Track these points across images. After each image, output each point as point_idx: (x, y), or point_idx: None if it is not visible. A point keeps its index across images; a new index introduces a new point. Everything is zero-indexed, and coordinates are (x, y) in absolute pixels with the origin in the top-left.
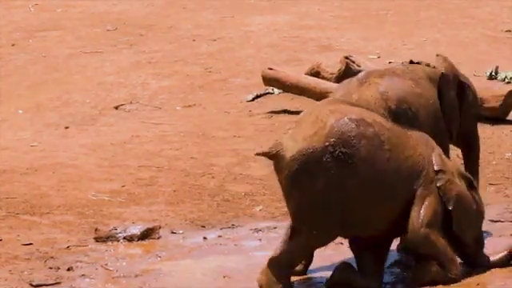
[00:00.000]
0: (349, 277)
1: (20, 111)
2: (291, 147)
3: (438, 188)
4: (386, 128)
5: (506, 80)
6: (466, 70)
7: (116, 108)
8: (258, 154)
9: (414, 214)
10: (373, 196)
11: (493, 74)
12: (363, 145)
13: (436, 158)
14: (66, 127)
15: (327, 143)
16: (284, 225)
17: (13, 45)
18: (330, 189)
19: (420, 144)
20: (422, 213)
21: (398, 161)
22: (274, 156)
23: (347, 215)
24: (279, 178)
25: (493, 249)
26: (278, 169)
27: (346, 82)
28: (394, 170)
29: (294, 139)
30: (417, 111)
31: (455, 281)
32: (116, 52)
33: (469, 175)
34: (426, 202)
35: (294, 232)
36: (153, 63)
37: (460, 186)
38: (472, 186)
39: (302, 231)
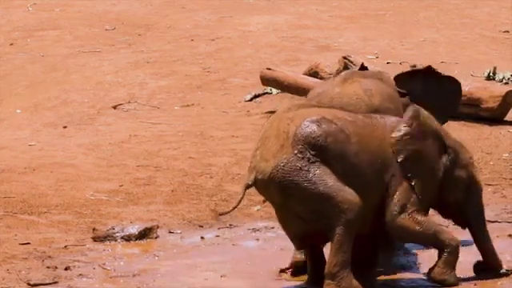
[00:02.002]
0: None
1: (18, 111)
2: (265, 168)
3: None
4: (349, 121)
5: (504, 80)
6: (464, 71)
7: (114, 108)
8: (246, 189)
9: (387, 205)
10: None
11: (491, 74)
12: (330, 142)
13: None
14: (64, 127)
15: (296, 151)
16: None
17: (11, 44)
18: (316, 188)
19: (388, 131)
20: (393, 202)
21: (367, 152)
22: (255, 184)
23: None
24: (269, 200)
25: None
26: (265, 193)
27: (327, 80)
28: (365, 162)
29: (265, 159)
30: (398, 111)
31: (455, 253)
32: (114, 52)
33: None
34: (398, 190)
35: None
36: (151, 63)
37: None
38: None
39: (331, 228)
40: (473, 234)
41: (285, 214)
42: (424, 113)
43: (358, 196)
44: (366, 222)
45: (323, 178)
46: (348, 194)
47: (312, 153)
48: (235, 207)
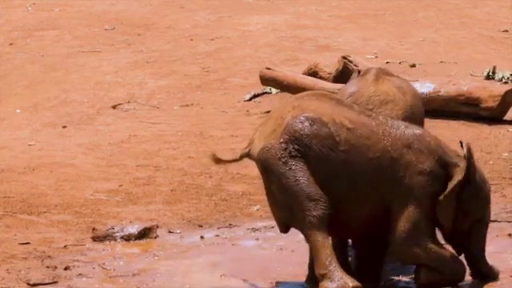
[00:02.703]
0: None
1: (18, 110)
2: (256, 146)
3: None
4: (346, 128)
5: (504, 80)
6: (463, 70)
7: (114, 107)
8: (240, 159)
9: (394, 227)
10: (332, 195)
11: (490, 73)
12: (314, 144)
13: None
14: (64, 126)
15: (281, 140)
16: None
17: (11, 44)
18: (287, 182)
19: (398, 146)
20: (401, 225)
21: (360, 163)
22: (248, 156)
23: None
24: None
25: (492, 249)
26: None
27: (356, 78)
28: (355, 172)
29: (259, 137)
30: (422, 108)
31: (453, 283)
32: (114, 51)
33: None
34: (406, 212)
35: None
36: (151, 63)
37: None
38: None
39: (300, 228)
40: (468, 261)
41: (269, 195)
42: (427, 139)
43: (324, 197)
44: (348, 230)
45: (296, 174)
46: (314, 194)
47: (295, 147)
48: (231, 161)
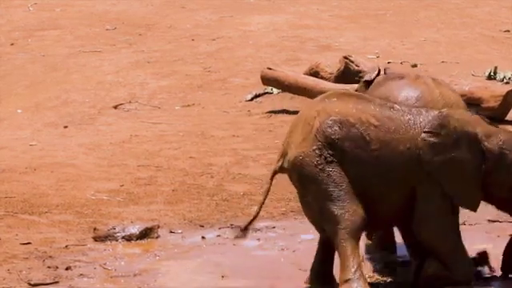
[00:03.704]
0: None
1: (19, 110)
2: (289, 156)
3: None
4: (373, 126)
5: (505, 80)
6: (464, 70)
7: (115, 107)
8: (274, 175)
9: (415, 213)
10: (368, 195)
11: (492, 73)
12: (347, 146)
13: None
14: (65, 126)
15: (315, 147)
16: (282, 224)
17: (12, 44)
18: (326, 188)
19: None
20: (421, 212)
21: (389, 158)
22: (281, 171)
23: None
24: (294, 186)
25: (493, 249)
26: (290, 179)
27: (390, 80)
28: (386, 168)
29: (290, 147)
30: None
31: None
32: (115, 51)
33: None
34: (426, 199)
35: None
36: (152, 63)
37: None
38: None
39: (333, 234)
40: None
41: (303, 201)
42: (455, 117)
43: (361, 208)
44: (384, 223)
45: (335, 180)
46: (352, 202)
47: (329, 152)
48: (265, 198)
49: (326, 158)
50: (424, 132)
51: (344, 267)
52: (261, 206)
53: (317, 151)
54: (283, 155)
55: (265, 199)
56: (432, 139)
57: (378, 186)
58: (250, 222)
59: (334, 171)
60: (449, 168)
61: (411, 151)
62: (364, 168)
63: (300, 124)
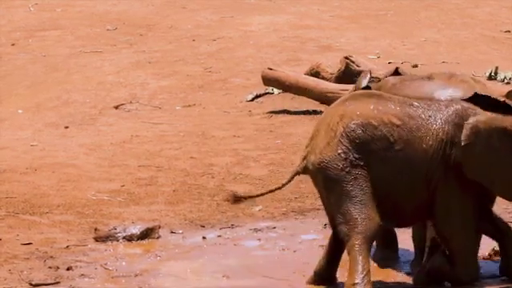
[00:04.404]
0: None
1: (20, 111)
2: (313, 160)
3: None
4: (396, 126)
5: (506, 80)
6: (465, 71)
7: (116, 108)
8: (295, 175)
9: (435, 210)
10: (394, 195)
11: (492, 74)
12: (372, 149)
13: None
14: (66, 127)
15: (340, 151)
16: (283, 224)
17: (12, 44)
18: (360, 186)
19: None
20: (441, 208)
21: (413, 157)
22: (304, 172)
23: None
24: (316, 187)
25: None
26: (313, 181)
27: (420, 80)
28: (410, 167)
29: (314, 152)
30: None
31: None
32: (116, 52)
33: None
34: (446, 196)
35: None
36: (152, 63)
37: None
38: None
39: (347, 236)
40: None
41: (326, 203)
42: (484, 118)
43: (377, 216)
44: (409, 221)
45: (360, 183)
46: (372, 212)
47: (355, 156)
48: (275, 189)
49: (351, 161)
50: (461, 146)
51: (353, 271)
52: (267, 193)
53: (342, 155)
54: (305, 159)
55: (274, 190)
56: (468, 148)
57: (404, 185)
58: (252, 197)
59: (360, 174)
60: (487, 159)
61: (433, 148)
62: (390, 168)
63: (323, 128)
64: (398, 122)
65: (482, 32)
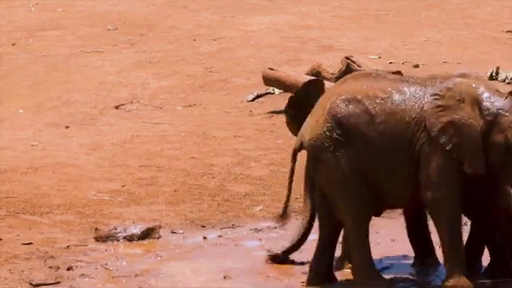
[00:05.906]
0: None
1: (20, 111)
2: (305, 138)
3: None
4: (380, 99)
5: (507, 80)
6: (466, 71)
7: (116, 108)
8: (294, 153)
9: (420, 183)
10: (378, 172)
11: (493, 74)
12: (352, 123)
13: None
14: (67, 127)
15: (325, 129)
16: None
17: (13, 44)
18: (341, 168)
19: (426, 102)
20: (425, 180)
21: (395, 130)
22: (300, 149)
23: (368, 190)
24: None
25: None
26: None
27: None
28: (392, 140)
29: (306, 130)
30: None
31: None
32: (116, 52)
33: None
34: (429, 166)
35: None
36: (153, 63)
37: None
38: None
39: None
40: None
41: (309, 185)
42: (465, 81)
43: (363, 197)
44: (399, 199)
45: (343, 163)
46: (355, 194)
47: (337, 132)
48: (291, 177)
49: (335, 139)
50: (430, 95)
51: (354, 257)
52: (289, 188)
53: (327, 133)
54: (300, 136)
55: (291, 178)
56: (437, 102)
57: (388, 161)
58: (286, 207)
59: (342, 153)
60: (452, 129)
61: (417, 120)
62: (371, 143)
63: (318, 106)
64: (383, 95)
65: (483, 32)
